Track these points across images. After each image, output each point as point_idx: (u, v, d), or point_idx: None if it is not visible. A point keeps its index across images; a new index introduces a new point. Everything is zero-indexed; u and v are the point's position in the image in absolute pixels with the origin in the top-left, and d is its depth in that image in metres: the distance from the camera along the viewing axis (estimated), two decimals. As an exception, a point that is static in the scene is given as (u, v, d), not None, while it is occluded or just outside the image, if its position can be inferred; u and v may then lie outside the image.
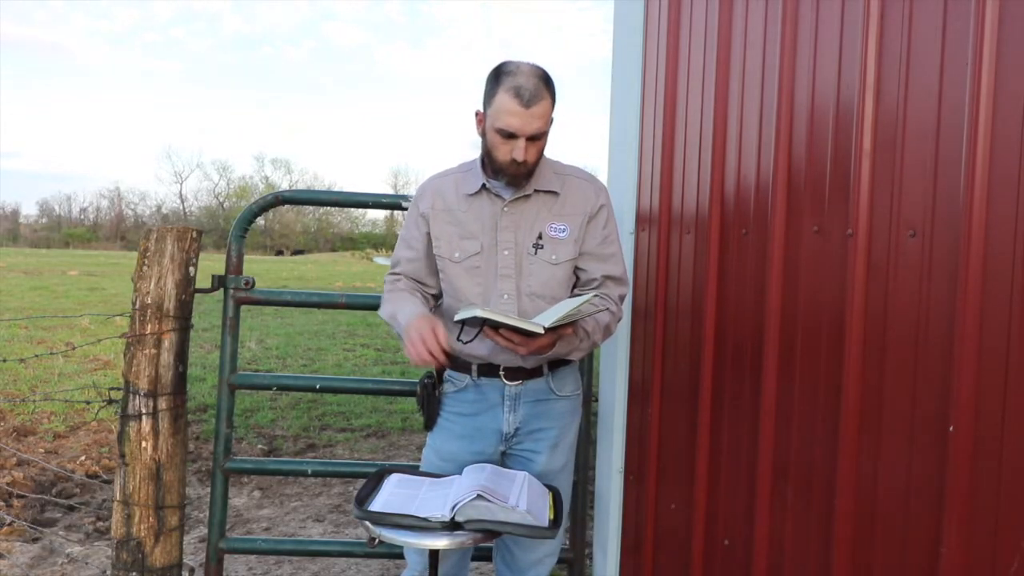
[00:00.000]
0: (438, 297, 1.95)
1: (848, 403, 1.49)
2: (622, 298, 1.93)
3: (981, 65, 1.24)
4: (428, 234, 1.87)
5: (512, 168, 1.74)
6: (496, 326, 1.65)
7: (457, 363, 1.88)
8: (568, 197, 1.85)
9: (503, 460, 1.91)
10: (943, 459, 1.29)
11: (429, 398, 1.90)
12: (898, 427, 1.39)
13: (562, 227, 1.83)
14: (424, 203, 1.88)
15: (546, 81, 1.73)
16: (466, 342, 1.78)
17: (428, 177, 1.94)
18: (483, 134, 1.79)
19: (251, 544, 2.52)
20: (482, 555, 2.36)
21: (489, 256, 1.82)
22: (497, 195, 1.82)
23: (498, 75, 1.73)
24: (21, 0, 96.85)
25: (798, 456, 1.64)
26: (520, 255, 1.81)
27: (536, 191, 1.82)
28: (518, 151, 1.71)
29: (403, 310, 1.82)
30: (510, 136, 1.71)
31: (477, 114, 1.80)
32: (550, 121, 1.76)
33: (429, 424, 1.92)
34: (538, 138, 1.74)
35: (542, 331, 1.60)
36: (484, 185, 1.82)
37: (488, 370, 1.86)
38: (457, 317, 1.68)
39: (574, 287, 1.90)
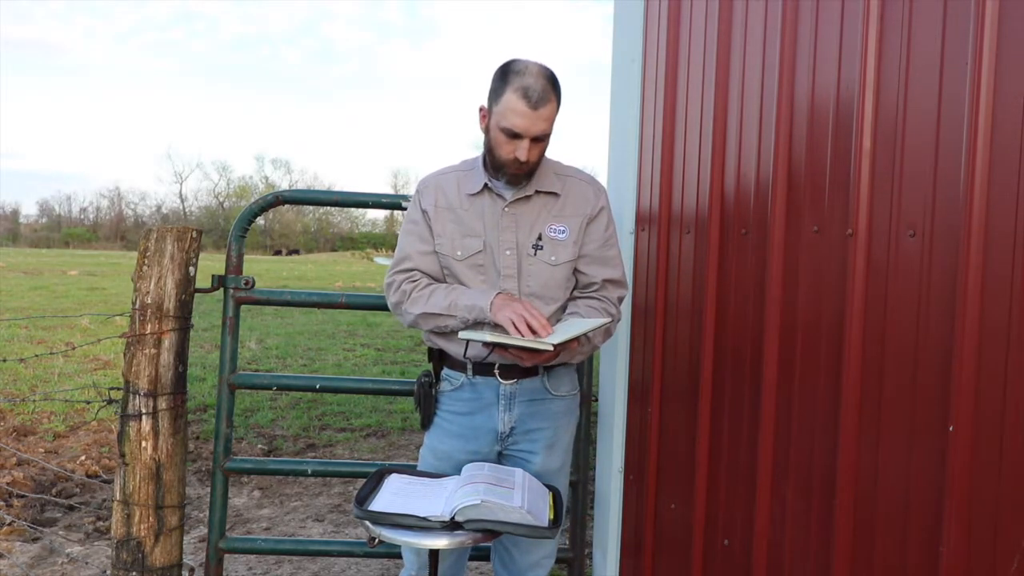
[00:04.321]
0: None
1: (848, 403, 1.49)
2: (621, 299, 1.94)
3: (981, 65, 1.24)
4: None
5: (514, 167, 1.76)
6: (505, 347, 1.66)
7: (452, 362, 1.89)
8: (568, 198, 1.86)
9: (500, 461, 1.92)
10: (943, 459, 1.29)
11: (426, 397, 1.91)
12: (898, 427, 1.39)
13: (561, 228, 1.84)
14: (427, 199, 1.88)
15: (553, 83, 1.74)
16: (473, 359, 1.81)
17: (430, 173, 1.94)
18: (486, 130, 1.79)
19: (251, 544, 2.52)
20: (481, 555, 2.36)
21: (491, 255, 1.82)
22: (499, 195, 1.83)
23: (506, 73, 1.73)
24: (21, 0, 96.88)
25: (798, 456, 1.64)
26: (520, 255, 1.82)
27: (537, 192, 1.83)
28: (521, 151, 1.73)
29: (465, 294, 1.78)
30: (515, 136, 1.73)
31: (481, 110, 1.80)
32: (554, 122, 1.77)
33: (425, 423, 1.93)
34: (542, 139, 1.75)
35: (551, 348, 1.62)
36: (487, 185, 1.83)
37: (483, 368, 1.86)
38: (462, 335, 1.68)
39: (573, 289, 1.90)
